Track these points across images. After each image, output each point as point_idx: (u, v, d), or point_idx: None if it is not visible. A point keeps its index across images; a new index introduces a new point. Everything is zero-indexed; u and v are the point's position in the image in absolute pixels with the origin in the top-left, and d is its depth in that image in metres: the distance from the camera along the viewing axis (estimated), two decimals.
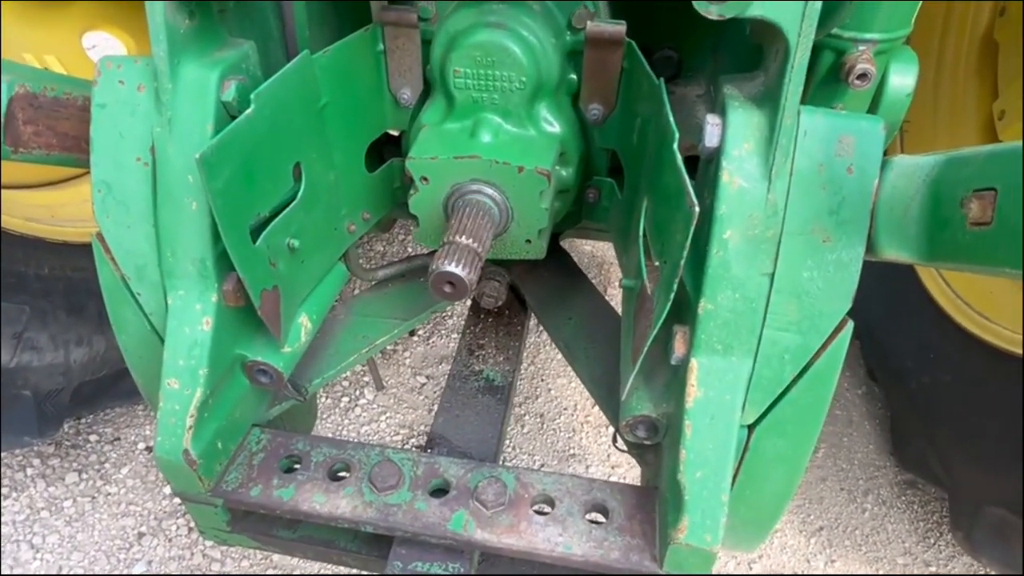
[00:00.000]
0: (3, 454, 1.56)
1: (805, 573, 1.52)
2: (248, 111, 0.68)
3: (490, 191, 0.81)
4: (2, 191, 1.37)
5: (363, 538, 0.85)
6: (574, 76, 0.88)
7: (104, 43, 1.69)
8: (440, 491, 0.80)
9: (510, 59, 0.81)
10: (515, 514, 0.77)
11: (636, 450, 0.86)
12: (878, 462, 1.71)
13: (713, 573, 0.87)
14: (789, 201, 0.63)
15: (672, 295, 0.65)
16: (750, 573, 1.53)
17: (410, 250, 2.24)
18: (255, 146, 0.70)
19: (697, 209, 0.59)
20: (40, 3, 1.51)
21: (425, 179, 0.82)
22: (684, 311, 0.71)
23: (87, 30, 1.65)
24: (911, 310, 1.67)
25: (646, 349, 0.71)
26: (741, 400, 0.69)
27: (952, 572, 1.53)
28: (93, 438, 1.66)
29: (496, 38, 0.81)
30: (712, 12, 0.58)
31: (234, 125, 0.67)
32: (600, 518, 0.77)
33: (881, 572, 1.51)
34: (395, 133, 1.00)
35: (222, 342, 0.77)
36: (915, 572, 1.52)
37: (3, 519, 1.48)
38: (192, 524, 1.53)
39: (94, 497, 1.55)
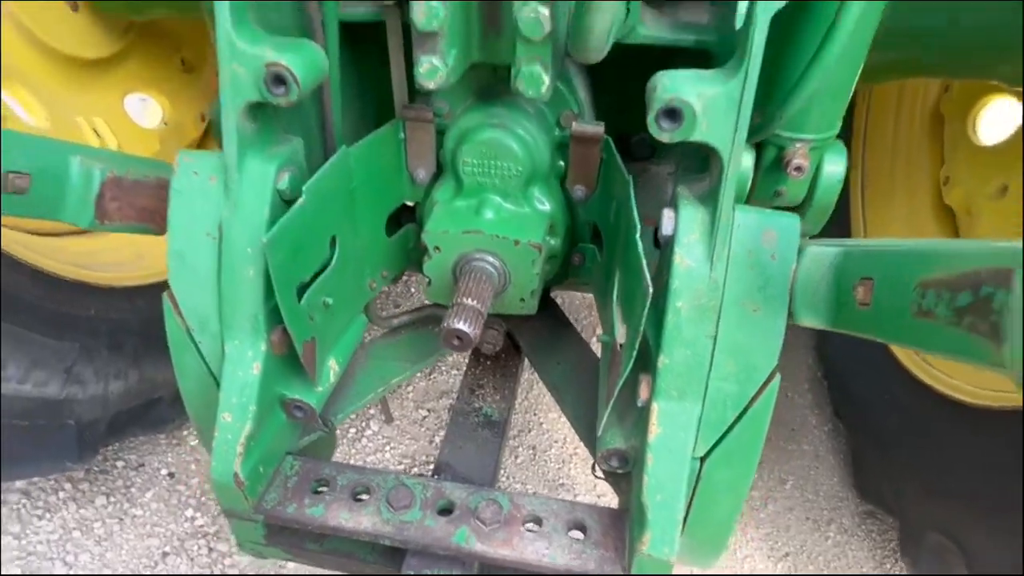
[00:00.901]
0: (38, 478, 1.70)
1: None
2: (301, 201, 0.85)
3: (491, 259, 0.99)
4: (52, 238, 1.55)
5: (380, 550, 1.00)
6: (562, 163, 1.06)
7: (142, 104, 1.88)
8: (446, 511, 0.95)
9: (510, 153, 0.99)
10: (509, 530, 0.92)
11: (611, 477, 1.02)
12: (841, 494, 1.86)
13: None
14: (727, 279, 0.80)
15: (635, 352, 0.82)
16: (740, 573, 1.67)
17: (412, 291, 2.41)
18: (304, 228, 0.88)
19: (651, 290, 0.77)
20: (85, 68, 1.69)
21: (438, 248, 0.99)
22: (648, 362, 0.87)
23: (128, 92, 1.84)
24: (872, 359, 1.84)
25: (616, 394, 0.88)
26: (693, 437, 0.85)
27: None
28: (120, 464, 1.80)
29: (499, 136, 0.99)
30: (664, 137, 0.76)
31: (291, 214, 0.84)
32: (580, 535, 0.93)
33: None
34: (411, 204, 1.18)
35: (267, 383, 0.93)
36: None
37: (39, 538, 1.61)
38: (211, 545, 1.66)
39: (121, 519, 1.69)
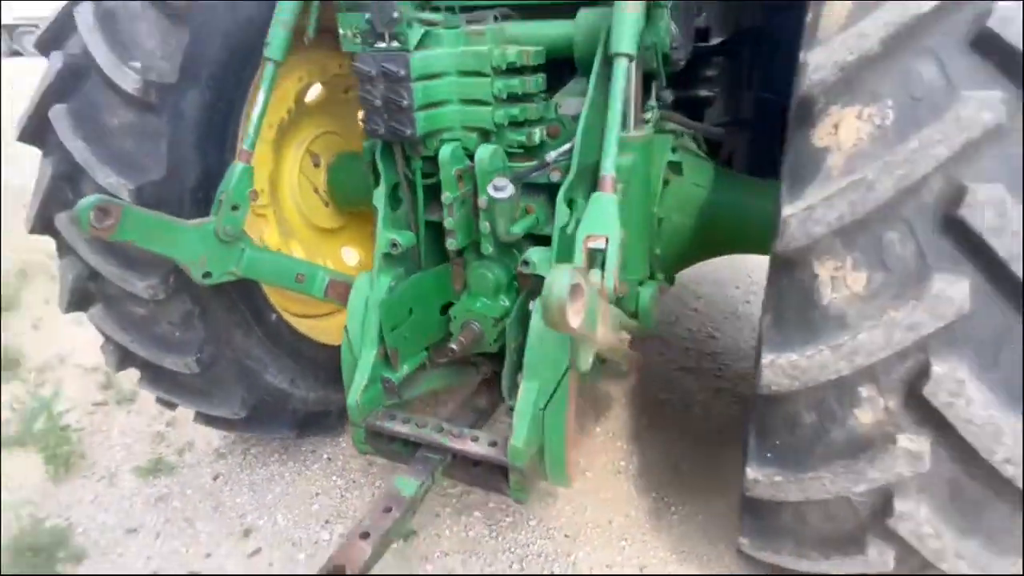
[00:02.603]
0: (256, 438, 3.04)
1: None
2: (398, 293, 2.16)
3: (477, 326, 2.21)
4: (319, 319, 2.99)
5: (411, 451, 2.17)
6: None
7: (350, 252, 3.39)
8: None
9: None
10: (463, 441, 2.05)
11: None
12: None
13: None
14: None
15: (516, 355, 1.98)
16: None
17: None
18: (398, 304, 2.18)
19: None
20: (324, 232, 3.21)
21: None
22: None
23: (344, 246, 3.36)
24: None
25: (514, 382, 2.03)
26: (538, 398, 1.94)
27: None
28: (304, 447, 3.11)
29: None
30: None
31: (393, 296, 2.15)
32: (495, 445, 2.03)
33: None
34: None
35: (375, 369, 2.19)
36: None
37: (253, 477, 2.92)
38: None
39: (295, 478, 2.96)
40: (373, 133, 2.01)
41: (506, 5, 2.15)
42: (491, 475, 2.05)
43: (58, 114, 2.08)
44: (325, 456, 3.03)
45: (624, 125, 1.94)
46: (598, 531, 2.55)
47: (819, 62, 1.24)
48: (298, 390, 2.75)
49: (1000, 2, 1.13)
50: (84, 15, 2.06)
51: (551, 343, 1.86)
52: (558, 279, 1.16)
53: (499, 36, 2.02)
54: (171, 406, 2.74)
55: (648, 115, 2.05)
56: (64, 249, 2.25)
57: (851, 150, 1.23)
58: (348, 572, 1.69)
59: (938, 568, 1.36)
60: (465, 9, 2.12)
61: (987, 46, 1.14)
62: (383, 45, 1.91)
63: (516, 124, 2.04)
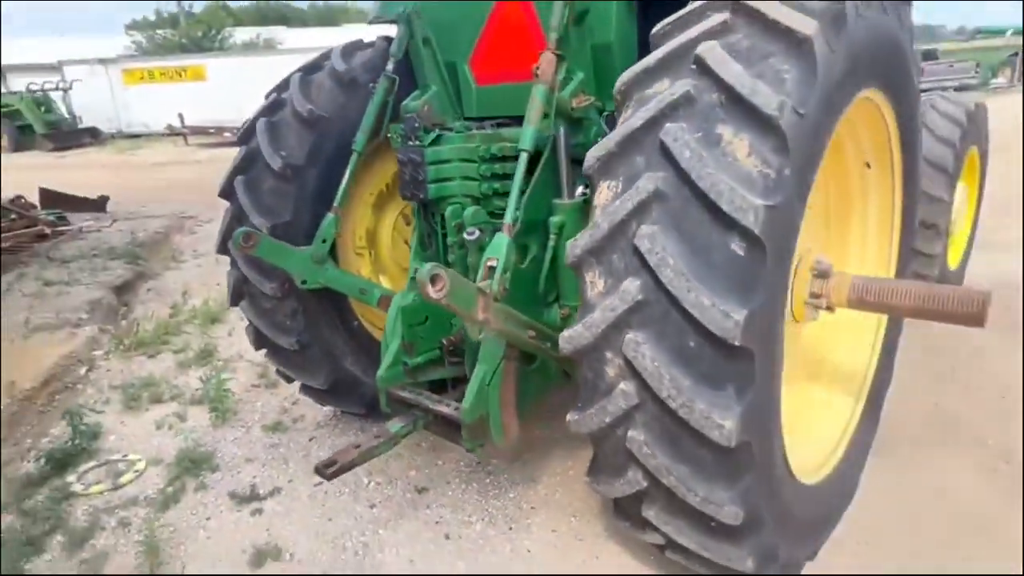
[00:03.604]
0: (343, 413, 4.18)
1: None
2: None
3: None
4: None
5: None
6: None
7: None
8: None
9: None
10: (441, 404, 3.00)
11: None
12: None
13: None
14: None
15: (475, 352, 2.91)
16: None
17: None
18: (413, 312, 3.23)
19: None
20: (404, 272, 4.39)
21: None
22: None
23: None
24: None
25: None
26: (483, 375, 2.83)
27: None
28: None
29: None
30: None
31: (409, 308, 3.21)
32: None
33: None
34: None
35: (398, 356, 3.23)
36: None
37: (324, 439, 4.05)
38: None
39: None
40: (404, 197, 3.14)
41: (505, 117, 3.21)
42: (453, 430, 2.95)
43: (239, 181, 3.47)
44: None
45: (560, 195, 2.88)
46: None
47: (590, 155, 2.12)
48: (368, 378, 3.85)
49: (669, 124, 1.94)
50: (261, 124, 3.46)
51: (492, 341, 2.77)
52: (424, 270, 2.12)
53: (491, 137, 3.07)
54: (288, 379, 3.99)
55: (579, 188, 2.94)
56: (232, 262, 3.62)
57: (602, 206, 2.07)
58: (337, 464, 2.69)
59: (662, 480, 2.04)
60: (478, 119, 3.23)
61: (663, 149, 1.94)
62: (411, 143, 3.06)
63: (497, 193, 3.05)
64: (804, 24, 1.92)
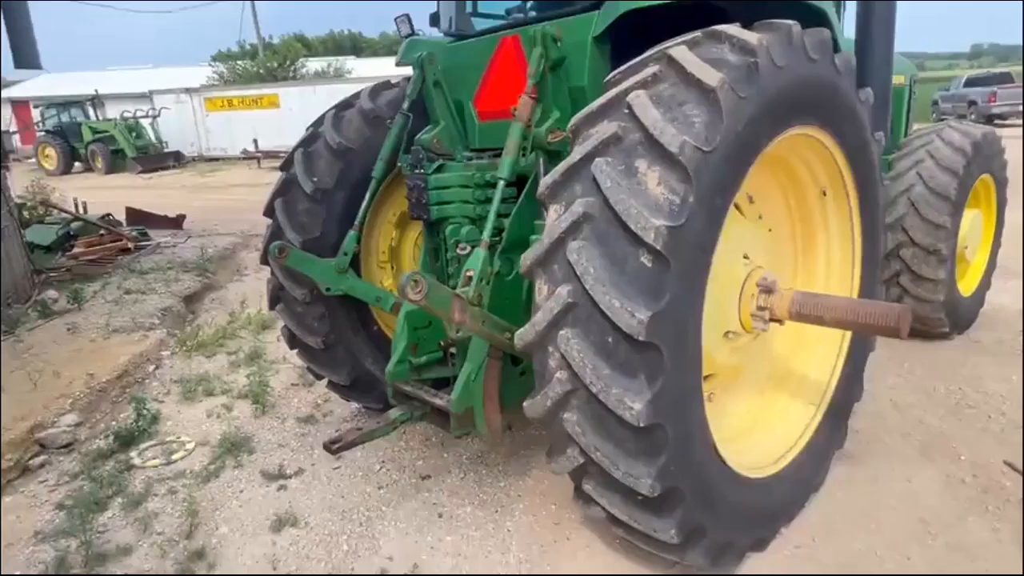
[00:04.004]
0: (356, 405, 4.69)
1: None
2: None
3: None
4: None
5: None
6: None
7: None
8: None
9: None
10: (436, 396, 3.45)
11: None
12: None
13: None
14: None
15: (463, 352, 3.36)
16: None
17: None
18: (415, 318, 3.71)
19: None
20: None
21: None
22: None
23: None
24: None
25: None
26: (473, 374, 3.27)
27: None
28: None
29: None
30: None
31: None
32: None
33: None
34: None
35: (406, 354, 3.71)
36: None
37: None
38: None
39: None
40: (412, 217, 3.64)
41: (501, 149, 3.68)
42: (445, 420, 3.39)
43: (278, 203, 4.06)
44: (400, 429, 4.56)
45: (543, 217, 3.30)
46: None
47: (542, 184, 2.56)
48: (384, 377, 4.34)
49: (599, 158, 2.35)
50: (298, 155, 4.05)
51: (478, 343, 3.20)
52: (405, 276, 2.59)
53: (484, 167, 3.55)
54: (316, 376, 4.53)
55: None
56: (271, 272, 4.20)
57: (548, 225, 2.49)
58: (342, 441, 3.18)
59: (592, 456, 2.41)
60: (481, 150, 3.71)
61: (593, 179, 2.36)
62: (417, 171, 3.56)
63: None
64: (711, 77, 2.31)
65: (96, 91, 30.47)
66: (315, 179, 3.95)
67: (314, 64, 37.65)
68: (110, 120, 28.46)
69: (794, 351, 3.60)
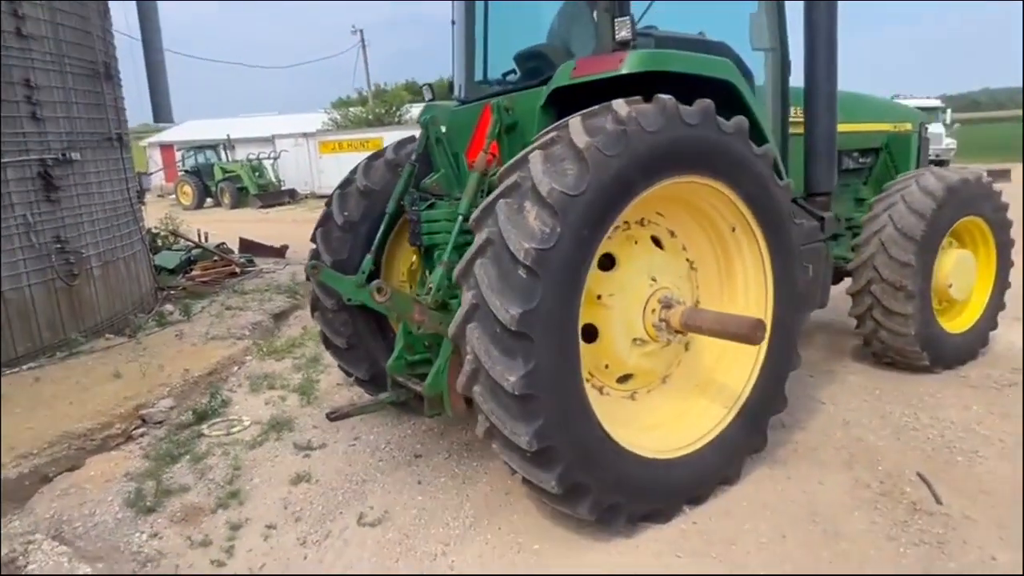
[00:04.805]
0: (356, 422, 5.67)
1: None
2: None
3: None
4: None
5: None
6: None
7: None
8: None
9: None
10: (418, 385, 4.38)
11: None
12: None
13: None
14: None
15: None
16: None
17: None
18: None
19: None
20: None
21: None
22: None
23: None
24: None
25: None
26: (442, 365, 4.16)
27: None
28: (410, 418, 5.62)
29: None
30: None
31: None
32: None
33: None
34: None
35: (403, 352, 4.67)
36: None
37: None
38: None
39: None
40: (410, 244, 4.65)
41: None
42: (422, 402, 4.29)
43: (318, 232, 5.20)
44: (412, 421, 5.52)
45: None
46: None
47: (471, 217, 3.47)
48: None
49: (502, 199, 3.23)
50: (335, 194, 5.18)
51: (446, 342, 4.10)
52: (372, 284, 3.56)
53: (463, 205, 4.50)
54: (347, 373, 5.58)
55: None
56: (310, 284, 5.32)
57: (470, 248, 3.39)
58: (338, 412, 4.16)
59: (491, 420, 3.24)
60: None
61: (495, 214, 3.25)
62: (413, 208, 4.58)
63: (468, 244, 4.43)
64: (582, 141, 3.16)
65: (228, 136, 34.49)
66: (346, 213, 5.05)
67: (417, 110, 40.51)
68: (237, 161, 32.10)
69: (717, 363, 4.24)
